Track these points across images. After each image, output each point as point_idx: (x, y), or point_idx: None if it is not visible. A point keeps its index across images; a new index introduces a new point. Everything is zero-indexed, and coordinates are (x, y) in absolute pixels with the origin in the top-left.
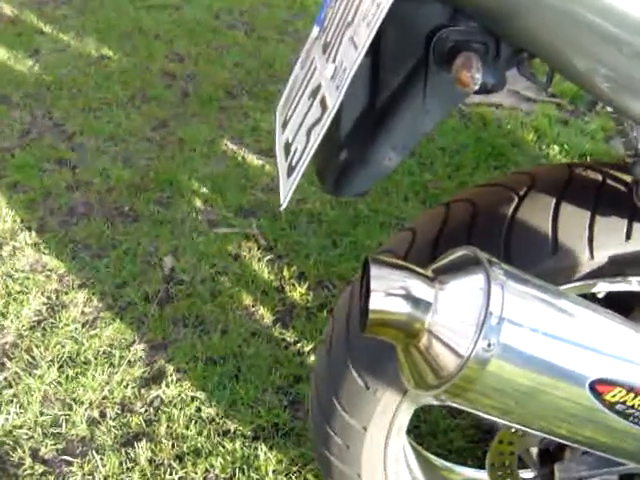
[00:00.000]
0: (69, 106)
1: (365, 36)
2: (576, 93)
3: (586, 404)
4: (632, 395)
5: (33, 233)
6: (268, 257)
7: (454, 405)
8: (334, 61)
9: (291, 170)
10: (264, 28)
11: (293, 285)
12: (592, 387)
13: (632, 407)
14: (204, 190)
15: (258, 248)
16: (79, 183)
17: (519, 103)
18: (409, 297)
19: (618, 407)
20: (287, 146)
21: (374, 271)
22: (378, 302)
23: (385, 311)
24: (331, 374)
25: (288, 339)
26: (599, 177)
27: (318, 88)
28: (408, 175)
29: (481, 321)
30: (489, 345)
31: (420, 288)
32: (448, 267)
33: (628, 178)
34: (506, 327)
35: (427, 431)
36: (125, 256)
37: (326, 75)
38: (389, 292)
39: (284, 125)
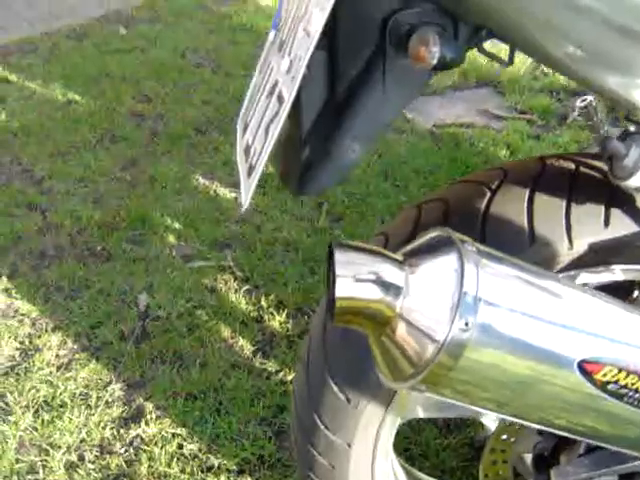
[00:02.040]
0: (37, 151)
1: (318, 21)
2: (546, 108)
3: (576, 386)
4: (624, 374)
5: (4, 279)
6: (245, 288)
7: (435, 396)
8: (289, 55)
9: (251, 170)
10: (231, 65)
11: (272, 314)
12: (581, 367)
13: (625, 386)
14: (177, 226)
15: (235, 280)
16: (49, 226)
17: (490, 121)
18: (378, 281)
19: (611, 387)
20: (247, 149)
21: (339, 256)
22: (345, 289)
23: (353, 298)
24: (311, 391)
25: (270, 369)
26: (572, 166)
27: (275, 85)
28: (383, 198)
29: (456, 302)
30: (466, 325)
31: (389, 271)
32: (419, 249)
33: (601, 165)
34: (482, 307)
35: (418, 452)
36: (99, 296)
37: (282, 70)
38: (356, 277)
39: (244, 130)
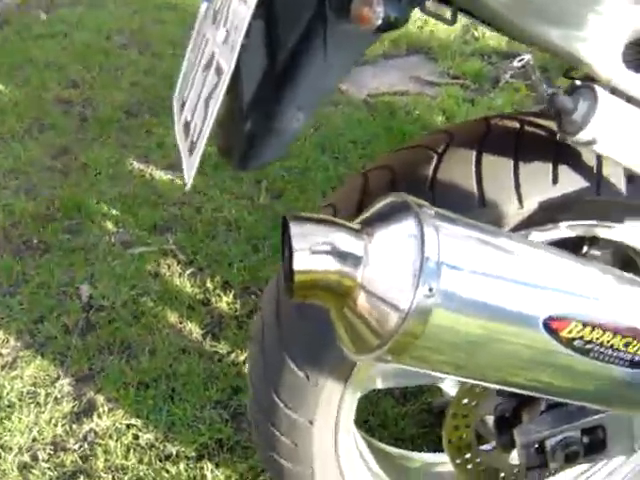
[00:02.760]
0: None
1: None
2: (478, 72)
3: (543, 345)
4: (589, 329)
5: None
6: (189, 271)
7: (401, 366)
8: (225, 25)
9: (193, 146)
10: (158, 45)
11: (219, 296)
12: (546, 325)
13: (591, 342)
14: (114, 212)
15: (178, 263)
16: None
17: (423, 88)
18: (336, 252)
19: (576, 343)
20: (186, 125)
21: (294, 229)
22: (302, 262)
23: (311, 270)
24: (267, 370)
25: (221, 351)
26: (517, 125)
27: (212, 57)
28: (323, 171)
29: (418, 267)
30: (430, 290)
31: (347, 241)
32: (376, 216)
33: (545, 123)
34: (445, 271)
35: (377, 423)
36: (39, 290)
37: (218, 41)
38: (313, 249)
39: (182, 107)
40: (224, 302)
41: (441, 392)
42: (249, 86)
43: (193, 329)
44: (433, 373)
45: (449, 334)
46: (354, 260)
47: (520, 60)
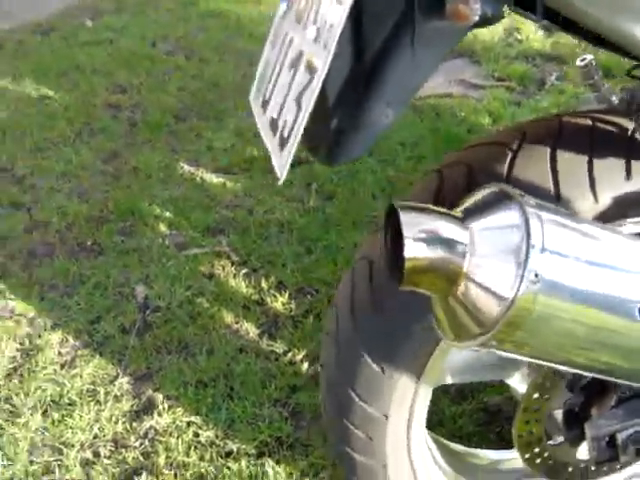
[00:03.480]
0: (15, 149)
1: None
2: (523, 74)
3: (638, 331)
4: None
5: None
6: (243, 271)
7: (498, 352)
8: (315, 23)
9: (284, 142)
10: (203, 51)
11: (274, 296)
12: None
13: None
14: (167, 214)
15: (232, 264)
16: (37, 224)
17: (468, 91)
18: (444, 240)
19: None
20: (273, 123)
21: (404, 217)
22: (413, 249)
23: (421, 258)
24: (343, 365)
25: (277, 350)
26: (589, 122)
27: (300, 55)
28: (371, 173)
29: (524, 255)
30: (536, 276)
31: (453, 230)
32: (479, 206)
33: (617, 120)
34: (549, 259)
35: (435, 421)
36: (95, 290)
37: (308, 39)
38: (423, 237)
39: (264, 105)
40: (279, 302)
41: (506, 389)
42: (335, 84)
43: (249, 329)
44: (530, 359)
45: (551, 321)
46: (460, 248)
47: (583, 60)
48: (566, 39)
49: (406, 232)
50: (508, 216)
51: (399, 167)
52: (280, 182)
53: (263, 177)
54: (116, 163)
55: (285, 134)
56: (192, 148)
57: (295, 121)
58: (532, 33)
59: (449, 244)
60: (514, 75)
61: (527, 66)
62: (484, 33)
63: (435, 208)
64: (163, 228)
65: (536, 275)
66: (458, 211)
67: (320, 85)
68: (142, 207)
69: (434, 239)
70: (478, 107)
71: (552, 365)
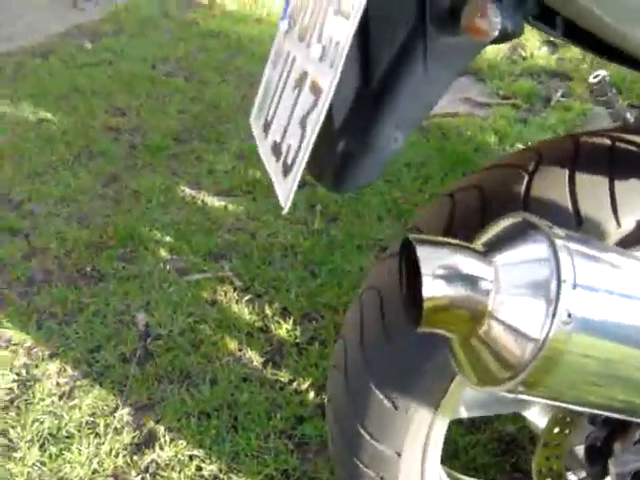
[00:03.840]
0: (13, 174)
1: (357, 1)
2: (529, 91)
3: None
4: None
5: None
6: (247, 297)
7: (524, 398)
8: (320, 41)
9: (288, 169)
10: (203, 72)
11: (278, 322)
12: None
13: None
14: (168, 239)
15: (234, 290)
16: (35, 250)
17: (474, 109)
18: (465, 277)
19: None
20: (276, 147)
21: (421, 252)
22: (432, 287)
23: (441, 297)
24: (352, 401)
25: (282, 379)
26: (607, 142)
27: (304, 76)
28: (377, 195)
29: (555, 292)
30: (569, 316)
31: (475, 265)
32: (502, 238)
33: (635, 139)
34: (582, 295)
35: (448, 452)
36: (95, 318)
37: (313, 58)
38: (442, 274)
39: (266, 129)
40: (283, 329)
41: (521, 419)
42: (341, 105)
43: (253, 357)
44: (562, 404)
45: (585, 361)
46: (484, 285)
47: (596, 77)
48: (571, 55)
49: (424, 269)
50: (535, 249)
51: (405, 188)
52: (284, 211)
53: (266, 200)
54: (116, 187)
55: (289, 160)
56: (193, 171)
57: (300, 146)
58: (536, 49)
59: (472, 281)
60: (520, 92)
61: (532, 83)
62: (488, 50)
63: (455, 241)
64: (164, 253)
65: (569, 314)
66: (479, 244)
67: (326, 107)
68: (143, 232)
69: (455, 276)
70: (484, 126)
71: (587, 410)
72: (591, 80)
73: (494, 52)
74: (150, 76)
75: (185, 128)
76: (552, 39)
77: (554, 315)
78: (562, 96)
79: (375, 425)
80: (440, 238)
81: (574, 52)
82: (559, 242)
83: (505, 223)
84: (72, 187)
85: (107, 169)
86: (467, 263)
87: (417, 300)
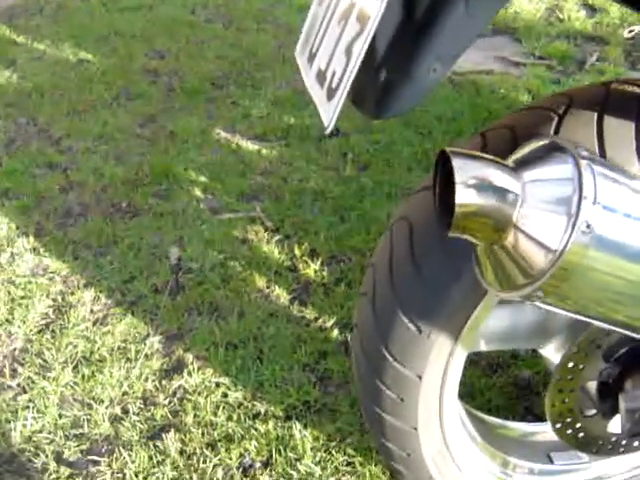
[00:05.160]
0: (53, 111)
1: None
2: (564, 53)
3: None
4: None
5: (31, 238)
6: (276, 238)
7: (545, 306)
8: None
9: (332, 92)
10: (242, 19)
11: (306, 263)
12: None
13: None
14: (202, 179)
15: (265, 230)
16: (72, 184)
17: (508, 68)
18: (495, 188)
19: None
20: (320, 75)
21: (456, 162)
22: (464, 194)
23: (471, 204)
24: (378, 325)
25: (308, 316)
26: (637, 90)
27: (350, 7)
28: (408, 146)
29: (576, 206)
30: (587, 230)
31: (505, 179)
32: (531, 157)
33: None
34: (601, 211)
35: (464, 392)
36: (129, 251)
37: None
38: (474, 184)
39: (310, 60)
40: (311, 269)
41: (536, 363)
42: (385, 35)
43: (280, 294)
44: (572, 314)
45: (599, 274)
46: (511, 197)
47: (630, 31)
48: (609, 20)
49: (458, 178)
50: (561, 168)
51: (436, 141)
52: (327, 131)
53: (299, 146)
54: (153, 127)
55: (334, 85)
56: (228, 115)
57: (345, 71)
58: (574, 12)
59: (500, 192)
60: (555, 54)
61: (568, 45)
62: (525, 11)
63: (487, 156)
64: (198, 192)
65: (587, 226)
66: (510, 161)
67: (372, 33)
68: (177, 171)
69: (485, 186)
70: (517, 84)
71: (593, 321)
72: (626, 34)
73: (532, 13)
74: (189, 21)
75: (222, 73)
76: (590, 2)
77: (573, 228)
78: (597, 60)
79: (399, 348)
80: (474, 152)
81: (612, 17)
82: (583, 162)
83: (535, 144)
84: (110, 126)
85: (145, 110)
86: (497, 176)
87: (449, 206)
